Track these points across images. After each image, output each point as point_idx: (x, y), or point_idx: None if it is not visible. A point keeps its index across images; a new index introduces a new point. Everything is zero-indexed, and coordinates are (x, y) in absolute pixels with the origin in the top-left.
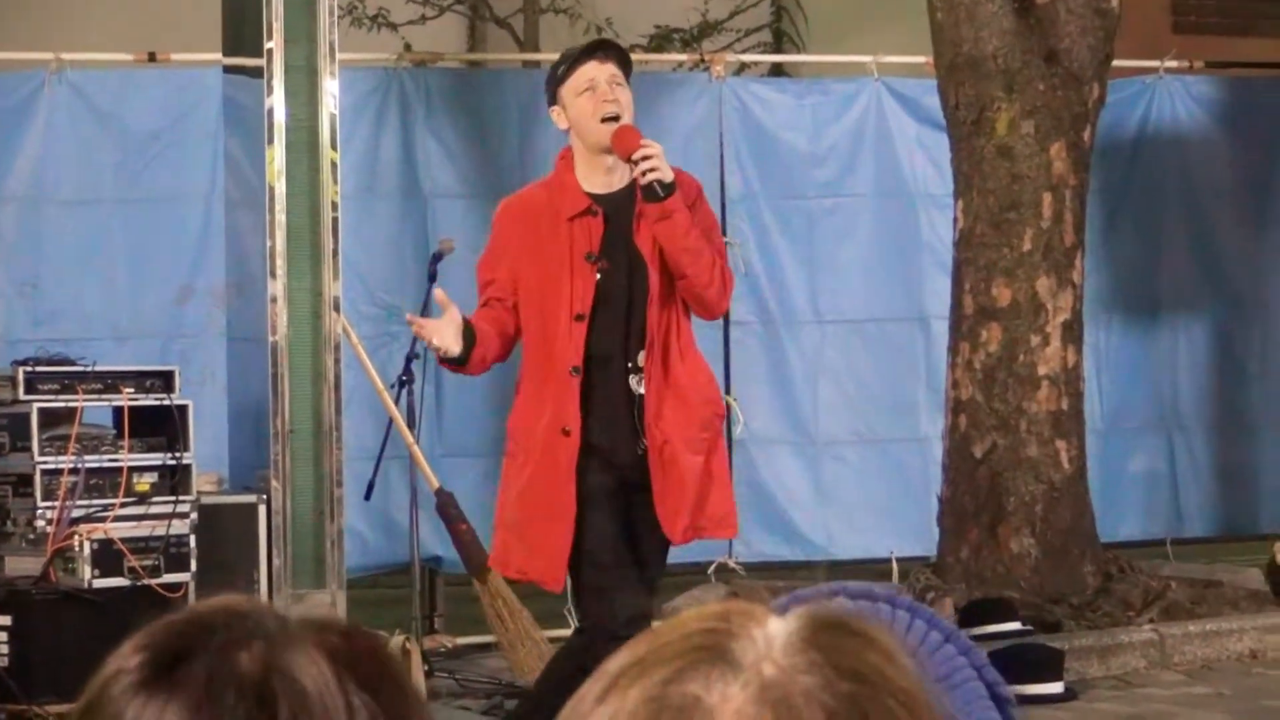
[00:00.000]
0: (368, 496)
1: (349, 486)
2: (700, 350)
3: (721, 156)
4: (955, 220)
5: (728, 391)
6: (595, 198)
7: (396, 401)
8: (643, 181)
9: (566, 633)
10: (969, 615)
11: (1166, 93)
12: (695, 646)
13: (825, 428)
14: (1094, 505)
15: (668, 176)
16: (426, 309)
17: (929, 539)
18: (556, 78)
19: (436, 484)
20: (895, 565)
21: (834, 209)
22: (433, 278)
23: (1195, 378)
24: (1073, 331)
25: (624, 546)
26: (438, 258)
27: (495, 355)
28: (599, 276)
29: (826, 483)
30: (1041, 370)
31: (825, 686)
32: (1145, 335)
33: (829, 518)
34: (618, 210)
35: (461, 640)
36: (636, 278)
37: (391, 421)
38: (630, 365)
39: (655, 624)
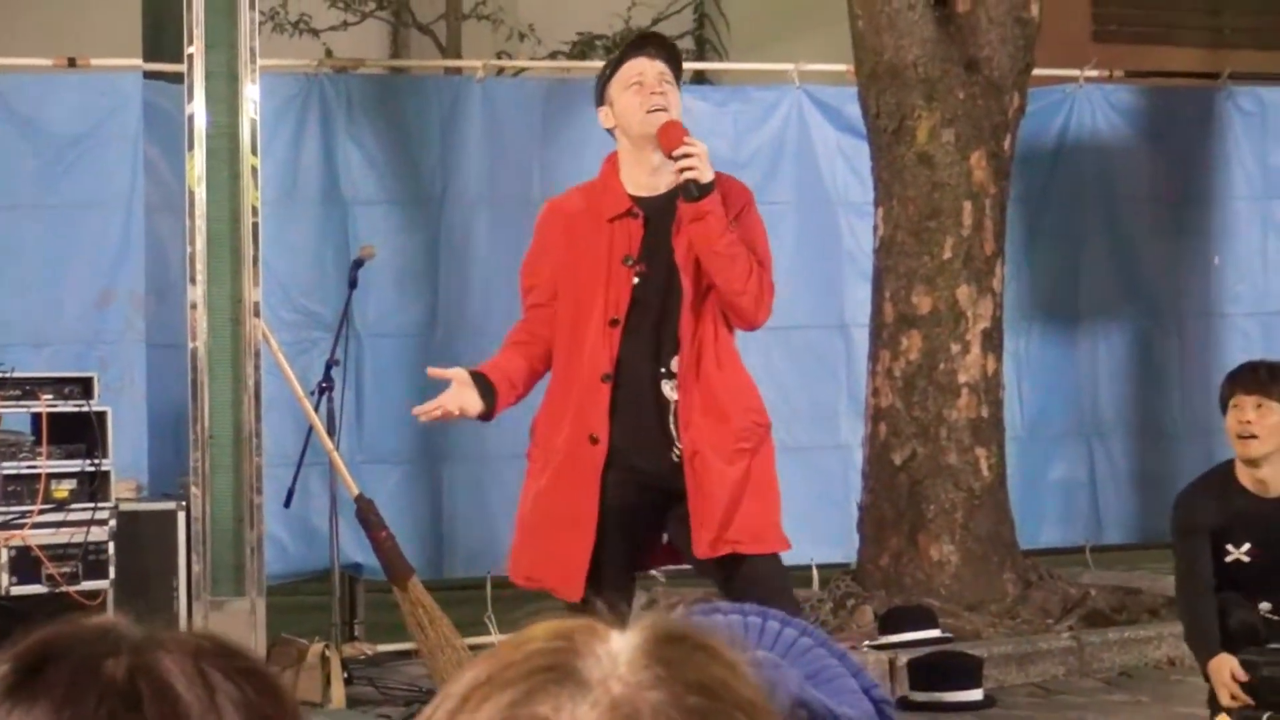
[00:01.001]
0: (287, 503)
1: (269, 493)
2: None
3: None
4: (876, 228)
5: None
6: (637, 200)
7: (316, 408)
8: (680, 179)
9: (488, 640)
10: (888, 622)
11: (1086, 101)
12: (541, 666)
13: None
14: (1014, 512)
15: (705, 177)
16: (346, 315)
17: (849, 546)
18: (605, 76)
19: (356, 491)
20: (815, 572)
21: None
22: (353, 284)
23: (1115, 385)
24: (993, 339)
25: (631, 568)
26: (358, 264)
27: (530, 382)
28: (636, 281)
29: None
30: (961, 378)
31: (673, 701)
32: (1065, 343)
33: None
34: (660, 214)
35: (382, 648)
36: (675, 283)
37: (311, 428)
38: (663, 371)
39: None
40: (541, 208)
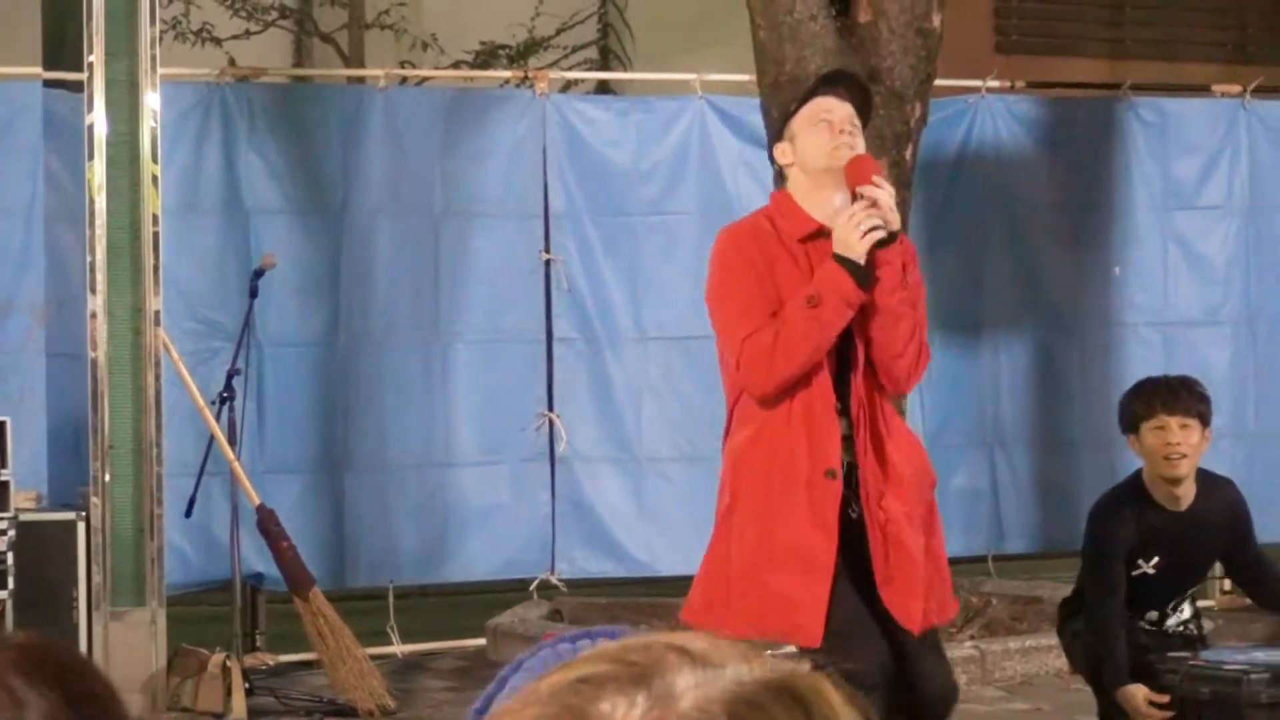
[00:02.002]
0: (188, 513)
1: (169, 503)
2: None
3: (545, 173)
4: None
5: (550, 408)
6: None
7: (217, 417)
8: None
9: (389, 650)
10: None
11: (988, 112)
12: (636, 662)
13: (648, 444)
14: None
15: (891, 226)
16: (248, 324)
17: None
18: (788, 110)
19: (258, 500)
20: None
21: (657, 226)
22: (254, 294)
23: (1016, 395)
24: None
25: (872, 618)
26: (259, 274)
27: None
28: None
29: (649, 499)
30: None
31: None
32: (967, 353)
33: (651, 534)
34: None
35: (283, 658)
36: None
37: (212, 437)
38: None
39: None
40: (721, 236)
